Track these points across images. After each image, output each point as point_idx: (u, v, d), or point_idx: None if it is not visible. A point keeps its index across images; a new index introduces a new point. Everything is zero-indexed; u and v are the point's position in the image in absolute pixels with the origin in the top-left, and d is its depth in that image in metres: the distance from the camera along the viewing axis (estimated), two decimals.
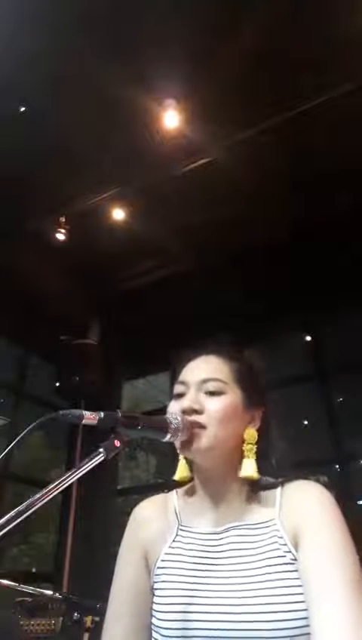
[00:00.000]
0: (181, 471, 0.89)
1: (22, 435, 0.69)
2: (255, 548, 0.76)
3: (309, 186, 3.28)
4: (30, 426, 0.68)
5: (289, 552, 0.73)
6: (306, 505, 0.76)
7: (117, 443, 0.71)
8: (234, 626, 0.69)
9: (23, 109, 2.76)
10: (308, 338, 4.13)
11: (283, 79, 2.67)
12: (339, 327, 4.30)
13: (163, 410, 0.85)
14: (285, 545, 0.74)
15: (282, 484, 0.82)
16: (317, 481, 0.81)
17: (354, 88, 2.65)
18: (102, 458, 0.69)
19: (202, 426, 0.81)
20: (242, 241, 3.57)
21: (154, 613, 0.78)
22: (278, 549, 0.74)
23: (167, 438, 0.78)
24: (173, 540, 0.83)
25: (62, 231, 3.45)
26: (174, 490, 0.92)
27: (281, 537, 0.75)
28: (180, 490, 0.91)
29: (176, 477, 0.89)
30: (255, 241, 3.55)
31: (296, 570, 0.71)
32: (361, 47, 2.49)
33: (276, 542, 0.75)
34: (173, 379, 0.90)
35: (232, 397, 0.84)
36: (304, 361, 4.06)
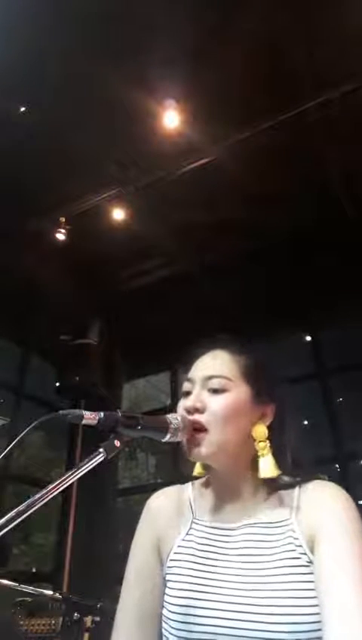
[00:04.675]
0: (198, 467, 0.88)
1: (22, 434, 0.69)
2: (269, 547, 0.75)
3: (309, 185, 3.28)
4: (30, 426, 0.68)
5: (305, 554, 0.72)
6: (324, 507, 0.74)
7: (117, 443, 0.71)
8: (241, 625, 0.69)
9: (23, 109, 2.76)
10: (308, 338, 4.13)
11: (283, 79, 2.66)
12: (339, 327, 4.31)
13: (163, 410, 0.84)
14: (301, 546, 0.73)
15: (300, 484, 0.80)
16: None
17: (354, 88, 2.65)
18: (102, 458, 0.69)
19: (203, 429, 0.79)
20: (242, 241, 3.57)
21: (165, 604, 0.78)
22: (294, 550, 0.73)
23: (167, 438, 0.77)
24: (187, 533, 0.82)
25: (62, 231, 3.45)
26: (190, 482, 0.90)
27: (297, 538, 0.74)
28: (196, 483, 0.90)
29: (194, 473, 0.88)
30: (255, 241, 3.55)
31: (310, 573, 0.70)
32: (361, 47, 2.49)
33: (291, 542, 0.74)
34: (173, 379, 0.90)
35: (237, 394, 0.82)
36: (304, 361, 4.06)
